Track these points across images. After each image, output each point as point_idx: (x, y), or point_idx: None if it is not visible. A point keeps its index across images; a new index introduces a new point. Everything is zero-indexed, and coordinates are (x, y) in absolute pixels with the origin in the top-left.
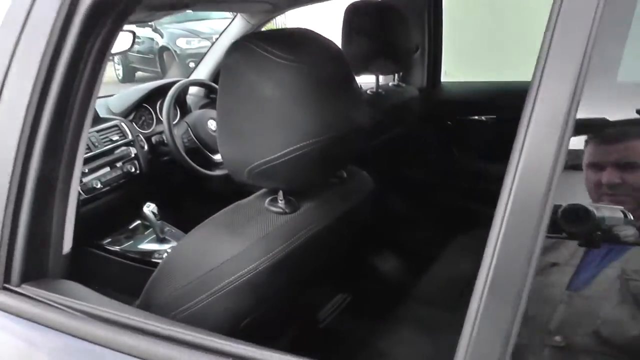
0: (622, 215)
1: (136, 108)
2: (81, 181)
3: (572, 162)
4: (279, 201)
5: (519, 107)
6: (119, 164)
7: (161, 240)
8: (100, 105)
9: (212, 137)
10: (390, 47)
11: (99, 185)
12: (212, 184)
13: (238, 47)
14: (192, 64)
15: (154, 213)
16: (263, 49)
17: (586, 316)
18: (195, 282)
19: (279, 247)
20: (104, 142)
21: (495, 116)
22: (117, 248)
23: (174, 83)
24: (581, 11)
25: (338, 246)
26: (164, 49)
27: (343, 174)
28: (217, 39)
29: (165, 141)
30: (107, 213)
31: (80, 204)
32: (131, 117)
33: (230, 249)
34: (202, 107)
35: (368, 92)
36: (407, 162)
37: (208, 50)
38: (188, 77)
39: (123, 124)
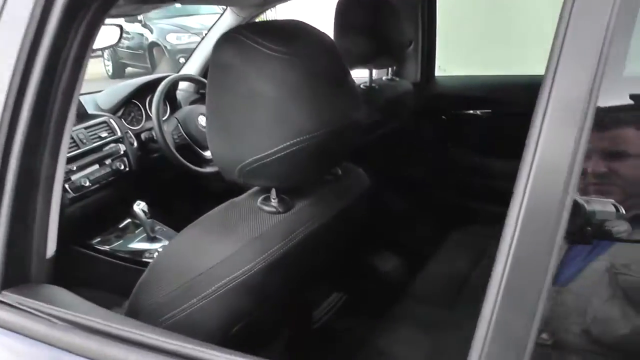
0: (613, 209)
1: (125, 104)
2: (69, 179)
3: None
4: (272, 200)
5: (515, 101)
6: (107, 162)
7: (152, 239)
8: (88, 101)
9: (202, 133)
10: (383, 41)
11: (87, 184)
12: (203, 181)
13: (228, 39)
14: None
15: (144, 211)
16: (254, 41)
17: (574, 313)
18: (185, 285)
19: (273, 248)
20: (92, 139)
21: (490, 110)
22: (106, 248)
23: (163, 78)
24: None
25: (334, 245)
26: (153, 44)
27: (338, 170)
28: (206, 33)
29: (155, 138)
30: (96, 212)
31: (69, 202)
32: (120, 113)
33: (221, 250)
34: (193, 102)
35: (361, 86)
36: (401, 157)
37: (198, 45)
38: (178, 72)
39: (112, 120)
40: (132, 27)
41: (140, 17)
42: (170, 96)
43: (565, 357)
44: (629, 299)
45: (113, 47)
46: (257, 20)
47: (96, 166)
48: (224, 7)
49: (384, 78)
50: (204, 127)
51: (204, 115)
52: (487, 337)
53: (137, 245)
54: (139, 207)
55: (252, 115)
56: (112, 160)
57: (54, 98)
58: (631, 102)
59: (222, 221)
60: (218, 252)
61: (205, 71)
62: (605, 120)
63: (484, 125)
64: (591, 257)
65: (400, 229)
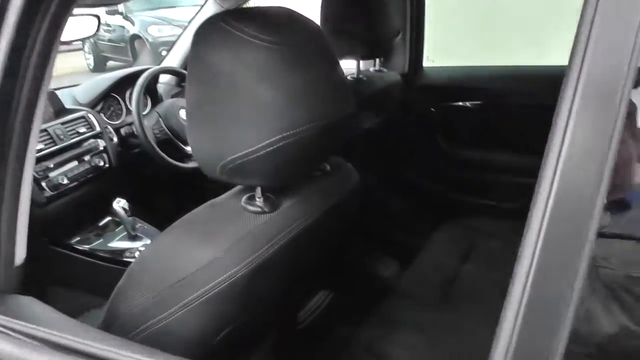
0: None
1: (104, 98)
2: (47, 177)
3: None
4: (257, 199)
5: (506, 93)
6: (86, 158)
7: (133, 238)
8: (65, 96)
9: (184, 127)
10: (370, 31)
11: (65, 181)
12: (186, 177)
13: (209, 26)
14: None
15: (124, 209)
16: (238, 28)
17: None
18: (165, 292)
19: (259, 251)
20: (70, 135)
21: (480, 102)
22: (86, 247)
23: (143, 71)
24: None
25: (324, 245)
26: (135, 37)
27: (326, 166)
28: (188, 24)
29: (136, 132)
30: (75, 210)
31: (46, 201)
32: (99, 107)
33: (203, 255)
34: (174, 96)
35: (349, 77)
36: (389, 150)
37: (179, 36)
38: (159, 65)
39: (90, 115)
40: (113, 20)
41: (121, 9)
42: (150, 89)
43: None
44: (610, 293)
45: (93, 40)
46: None
47: (74, 163)
48: None
49: (371, 69)
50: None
51: None
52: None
53: (117, 244)
54: (119, 204)
55: (236, 108)
56: (91, 157)
57: (18, 98)
58: None
59: (204, 223)
60: (200, 256)
61: (187, 63)
62: None
63: (473, 117)
64: None
65: (387, 224)
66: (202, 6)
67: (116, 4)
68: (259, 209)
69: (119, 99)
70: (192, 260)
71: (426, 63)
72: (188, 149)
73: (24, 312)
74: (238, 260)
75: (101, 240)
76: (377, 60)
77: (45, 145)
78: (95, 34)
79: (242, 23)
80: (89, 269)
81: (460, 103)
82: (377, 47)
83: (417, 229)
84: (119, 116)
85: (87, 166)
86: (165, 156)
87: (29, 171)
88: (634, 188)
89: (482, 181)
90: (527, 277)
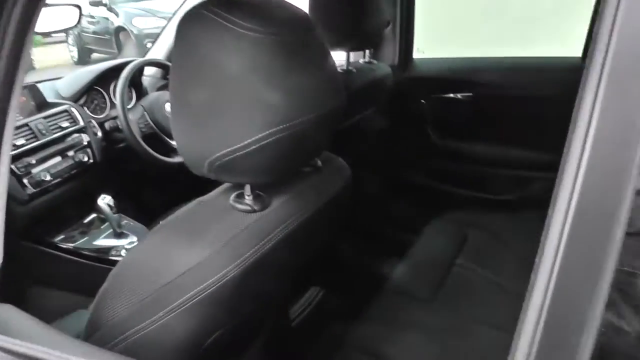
0: None
1: (87, 91)
2: (29, 173)
3: None
4: (246, 197)
5: (497, 84)
6: (70, 153)
7: (119, 235)
8: (47, 89)
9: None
10: (360, 22)
11: (48, 178)
12: (172, 172)
13: (192, 16)
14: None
15: (109, 205)
16: (223, 17)
17: None
18: (150, 297)
19: (249, 252)
20: (53, 130)
21: (471, 94)
22: (70, 245)
23: (127, 63)
24: None
25: (315, 242)
26: (120, 29)
27: (317, 161)
28: (173, 15)
29: (120, 127)
30: (59, 207)
31: (28, 198)
32: (82, 101)
33: (191, 256)
34: (160, 89)
35: (339, 69)
36: (380, 143)
37: (164, 28)
38: (144, 57)
39: (73, 109)
40: (97, 11)
41: (105, 1)
42: (135, 82)
43: None
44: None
45: (77, 32)
46: None
47: (58, 158)
48: None
49: (361, 61)
50: None
51: None
52: None
53: (103, 242)
54: (104, 201)
55: (223, 102)
56: (75, 152)
57: None
58: None
59: (190, 223)
60: (186, 259)
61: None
62: None
63: (464, 108)
64: None
65: (379, 218)
66: None
67: None
68: (248, 208)
69: (103, 92)
70: (179, 263)
71: (416, 54)
72: (174, 143)
73: (5, 321)
74: (227, 262)
75: (86, 238)
76: (367, 51)
77: (27, 140)
78: (76, 25)
79: (228, 11)
80: (74, 268)
81: (451, 95)
82: (366, 38)
83: (408, 223)
84: (103, 110)
85: (70, 162)
86: (151, 151)
87: (4, 166)
88: None
89: (474, 174)
90: (550, 275)
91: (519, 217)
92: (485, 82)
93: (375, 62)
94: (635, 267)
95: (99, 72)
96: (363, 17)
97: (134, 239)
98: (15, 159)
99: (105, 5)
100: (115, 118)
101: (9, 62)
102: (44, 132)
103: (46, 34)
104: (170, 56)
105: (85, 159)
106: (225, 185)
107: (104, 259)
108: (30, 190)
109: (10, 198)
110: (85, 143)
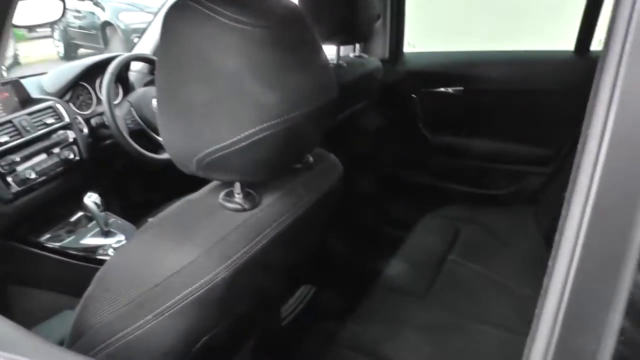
0: None
1: (73, 87)
2: (13, 171)
3: None
4: (236, 195)
5: (488, 78)
6: (55, 150)
7: (106, 234)
8: (32, 85)
9: None
10: (350, 15)
11: (33, 176)
12: (160, 169)
13: (179, 7)
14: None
15: (96, 204)
16: (210, 8)
17: None
18: (136, 301)
19: (239, 252)
20: (38, 126)
21: (462, 88)
22: (56, 245)
23: (114, 58)
24: None
25: (308, 240)
26: (106, 24)
27: (309, 158)
28: (159, 9)
29: (107, 123)
30: (45, 206)
31: (12, 197)
32: (67, 97)
33: (178, 259)
34: (147, 84)
35: None
36: (370, 138)
37: (151, 22)
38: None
39: (58, 105)
40: (83, 6)
41: None
42: (122, 78)
43: None
44: None
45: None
46: None
47: (43, 156)
48: None
49: (351, 55)
50: None
51: None
52: None
53: (90, 240)
54: (91, 199)
55: (212, 97)
56: (61, 149)
57: None
58: None
59: (178, 223)
60: (174, 260)
61: None
62: None
63: (455, 103)
64: None
65: (370, 214)
66: None
67: None
68: (238, 206)
69: (89, 87)
70: (166, 265)
71: (407, 48)
72: (161, 139)
73: None
74: (217, 263)
75: (73, 237)
76: (357, 45)
77: (11, 137)
78: (60, 19)
79: (216, 3)
80: (60, 268)
81: (442, 89)
82: (357, 32)
83: (400, 218)
84: (89, 106)
85: (56, 159)
86: (138, 147)
87: None
88: None
89: (466, 168)
90: (566, 279)
91: (511, 212)
92: (477, 76)
93: (365, 56)
94: None
95: (84, 67)
96: (353, 10)
97: (122, 237)
98: None
99: None
100: (101, 114)
101: None
102: (28, 128)
103: (30, 28)
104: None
105: (71, 156)
106: (214, 182)
107: (91, 259)
108: (15, 188)
109: None
110: (71, 140)
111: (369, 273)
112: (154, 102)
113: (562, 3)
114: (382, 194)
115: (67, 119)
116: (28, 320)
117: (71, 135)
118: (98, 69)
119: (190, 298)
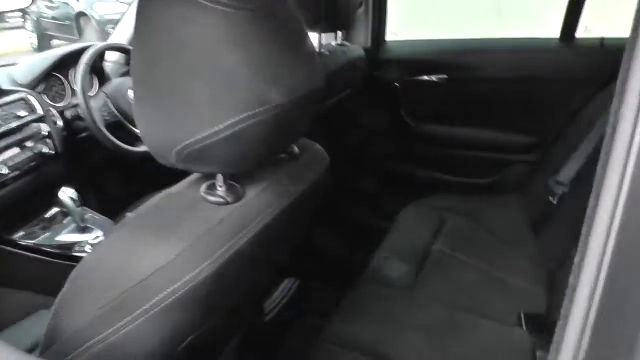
0: None
1: (46, 78)
2: None
3: None
4: (219, 188)
5: (473, 66)
6: (29, 144)
7: (82, 230)
8: (2, 76)
9: None
10: (332, 2)
11: (5, 171)
12: (138, 162)
13: None
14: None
15: (72, 199)
16: None
17: None
18: (116, 301)
19: (224, 248)
20: (9, 120)
21: (446, 76)
22: (31, 242)
23: (87, 48)
24: None
25: (294, 233)
26: (81, 14)
27: (294, 148)
28: None
29: (82, 115)
30: (18, 202)
31: None
32: (40, 88)
33: (159, 255)
34: (123, 75)
35: None
36: (353, 128)
37: (127, 11)
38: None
39: (31, 96)
40: None
41: None
42: (97, 68)
43: None
44: None
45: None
46: None
47: (16, 150)
48: None
49: (333, 43)
50: None
51: None
52: None
53: (65, 237)
54: (67, 194)
55: (191, 85)
56: (35, 143)
57: None
58: None
59: (158, 219)
60: (154, 258)
61: None
62: None
63: (438, 91)
64: None
65: (354, 205)
66: None
67: None
68: (221, 200)
69: (62, 78)
70: (146, 263)
71: (390, 36)
72: (139, 131)
73: None
74: (200, 260)
75: (48, 234)
76: (340, 34)
77: None
78: (31, 4)
79: None
80: (36, 266)
81: (426, 77)
82: (339, 19)
83: (384, 208)
84: (63, 98)
85: (30, 153)
86: (115, 140)
87: None
88: None
89: (451, 157)
90: (595, 289)
91: (497, 200)
92: (461, 64)
93: (348, 44)
94: None
95: (57, 57)
96: None
97: (100, 233)
98: None
99: None
100: (76, 106)
101: None
102: None
103: None
104: None
105: (46, 150)
106: (195, 175)
107: (67, 256)
108: None
109: None
110: (46, 133)
111: (354, 265)
112: (131, 93)
113: None
114: (366, 184)
115: (40, 112)
116: (2, 321)
117: (45, 128)
118: (72, 59)
119: (173, 298)
